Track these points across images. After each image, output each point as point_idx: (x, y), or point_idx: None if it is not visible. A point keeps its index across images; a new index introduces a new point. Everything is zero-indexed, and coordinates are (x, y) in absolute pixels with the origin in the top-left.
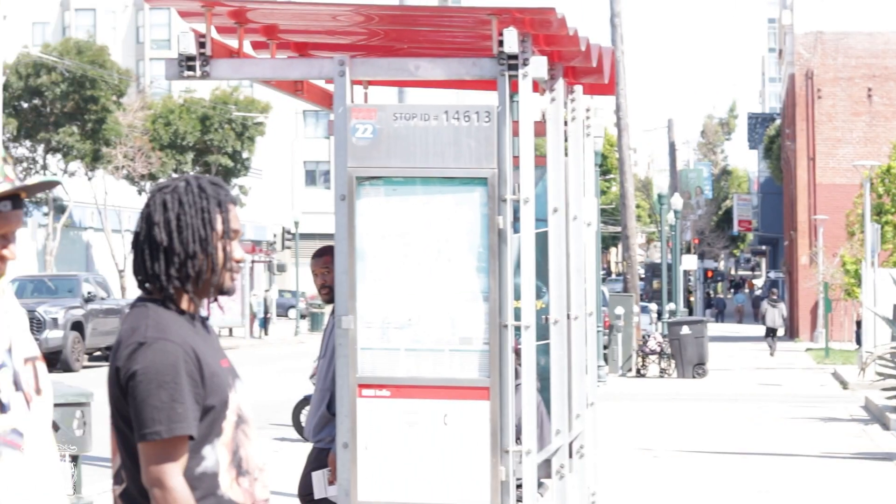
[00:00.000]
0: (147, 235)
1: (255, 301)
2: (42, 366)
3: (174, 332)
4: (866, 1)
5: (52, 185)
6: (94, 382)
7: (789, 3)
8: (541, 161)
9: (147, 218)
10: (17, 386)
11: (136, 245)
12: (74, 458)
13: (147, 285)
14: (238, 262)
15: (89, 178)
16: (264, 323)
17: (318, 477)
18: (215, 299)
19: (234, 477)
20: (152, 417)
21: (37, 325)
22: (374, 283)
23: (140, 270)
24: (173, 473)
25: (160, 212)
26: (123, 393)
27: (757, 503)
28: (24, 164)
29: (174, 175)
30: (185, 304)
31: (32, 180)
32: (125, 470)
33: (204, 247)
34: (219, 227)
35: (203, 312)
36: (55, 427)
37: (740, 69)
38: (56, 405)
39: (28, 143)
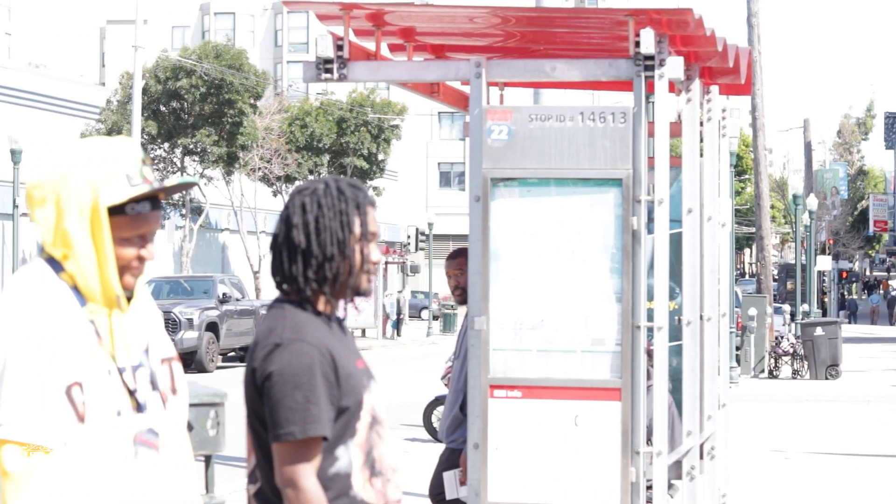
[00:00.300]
0: (286, 237)
1: (388, 302)
2: (178, 366)
3: (310, 334)
4: None
5: (189, 186)
6: (227, 383)
7: None
8: (676, 162)
9: (286, 220)
10: (154, 386)
11: (275, 247)
12: (208, 458)
13: (285, 287)
14: (375, 263)
15: (227, 183)
16: (397, 324)
17: (450, 477)
18: (352, 300)
19: (367, 477)
20: (287, 418)
21: (172, 325)
22: (508, 284)
23: (278, 272)
24: (306, 474)
25: (299, 214)
26: (259, 393)
27: None
28: (161, 166)
29: (310, 177)
30: (321, 306)
31: (170, 182)
32: (260, 470)
33: (342, 249)
34: (357, 229)
35: (339, 313)
36: (189, 427)
37: (878, 68)
38: (190, 405)
39: (166, 145)
